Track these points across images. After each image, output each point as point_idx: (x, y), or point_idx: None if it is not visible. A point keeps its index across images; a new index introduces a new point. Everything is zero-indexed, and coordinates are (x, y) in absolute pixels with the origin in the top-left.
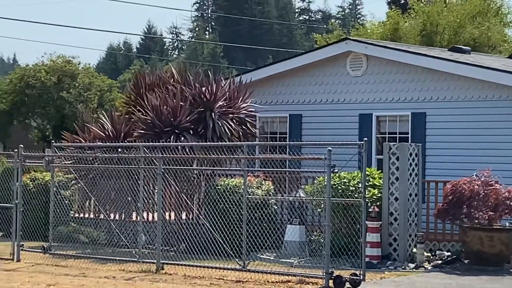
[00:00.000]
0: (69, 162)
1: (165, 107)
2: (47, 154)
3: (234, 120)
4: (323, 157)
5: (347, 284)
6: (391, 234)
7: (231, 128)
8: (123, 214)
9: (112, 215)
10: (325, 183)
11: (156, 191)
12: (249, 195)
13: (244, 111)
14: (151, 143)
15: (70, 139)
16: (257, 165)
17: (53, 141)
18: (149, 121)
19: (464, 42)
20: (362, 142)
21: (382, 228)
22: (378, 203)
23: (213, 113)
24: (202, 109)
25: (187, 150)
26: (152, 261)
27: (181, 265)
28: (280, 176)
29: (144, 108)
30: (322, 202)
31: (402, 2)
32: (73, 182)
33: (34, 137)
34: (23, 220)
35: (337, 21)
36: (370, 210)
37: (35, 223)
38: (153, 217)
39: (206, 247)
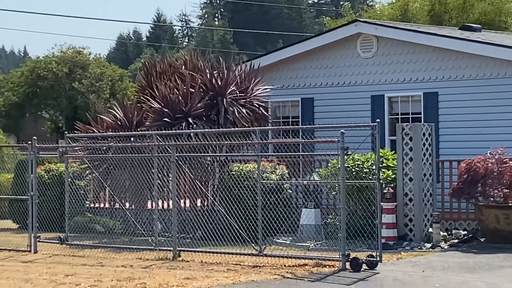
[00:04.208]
0: (83, 152)
1: (176, 94)
2: (61, 146)
3: (246, 106)
4: (336, 139)
5: (364, 266)
6: (406, 215)
7: (243, 114)
8: (138, 203)
9: (127, 204)
10: (339, 165)
11: (170, 179)
12: (264, 180)
13: (255, 96)
14: (164, 131)
15: (83, 130)
16: (271, 150)
17: (66, 132)
18: (161, 109)
19: (473, 20)
20: (375, 124)
21: (397, 209)
22: (392, 184)
23: (224, 99)
24: (213, 95)
25: (200, 137)
26: (168, 248)
27: (198, 251)
28: (294, 160)
29: (155, 96)
30: (336, 185)
31: None
32: (87, 172)
33: (47, 129)
34: (39, 212)
35: (346, 3)
36: (384, 191)
37: (51, 214)
38: (168, 205)
39: (222, 233)
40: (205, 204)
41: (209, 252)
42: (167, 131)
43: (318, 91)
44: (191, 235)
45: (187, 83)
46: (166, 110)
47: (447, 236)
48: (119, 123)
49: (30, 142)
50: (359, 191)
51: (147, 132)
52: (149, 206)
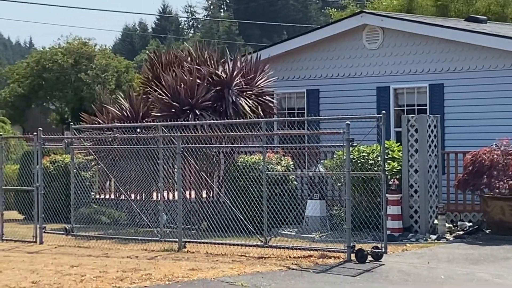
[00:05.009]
0: (88, 143)
1: (182, 86)
2: (66, 137)
3: (252, 97)
4: (342, 131)
5: (369, 257)
6: (411, 206)
7: (249, 105)
8: (143, 194)
9: (132, 195)
10: (344, 157)
11: (175, 170)
12: (269, 171)
13: (261, 88)
14: (170, 123)
15: (88, 121)
16: (276, 141)
17: (71, 123)
18: (167, 100)
19: (479, 11)
20: (380, 115)
21: (403, 200)
22: (398, 176)
23: (230, 91)
24: (219, 87)
25: (205, 128)
26: (174, 240)
27: (203, 243)
28: (299, 151)
29: (161, 87)
30: (341, 177)
31: None
32: (93, 163)
33: (53, 120)
34: (44, 203)
35: None
36: (390, 183)
37: (56, 205)
38: (173, 196)
39: (227, 225)
40: (211, 195)
41: (215, 243)
42: (172, 123)
43: (324, 83)
44: (197, 227)
45: (193, 74)
46: (173, 101)
47: (453, 228)
48: (125, 114)
49: (35, 133)
50: (365, 182)
51: (153, 123)
52: (154, 197)
